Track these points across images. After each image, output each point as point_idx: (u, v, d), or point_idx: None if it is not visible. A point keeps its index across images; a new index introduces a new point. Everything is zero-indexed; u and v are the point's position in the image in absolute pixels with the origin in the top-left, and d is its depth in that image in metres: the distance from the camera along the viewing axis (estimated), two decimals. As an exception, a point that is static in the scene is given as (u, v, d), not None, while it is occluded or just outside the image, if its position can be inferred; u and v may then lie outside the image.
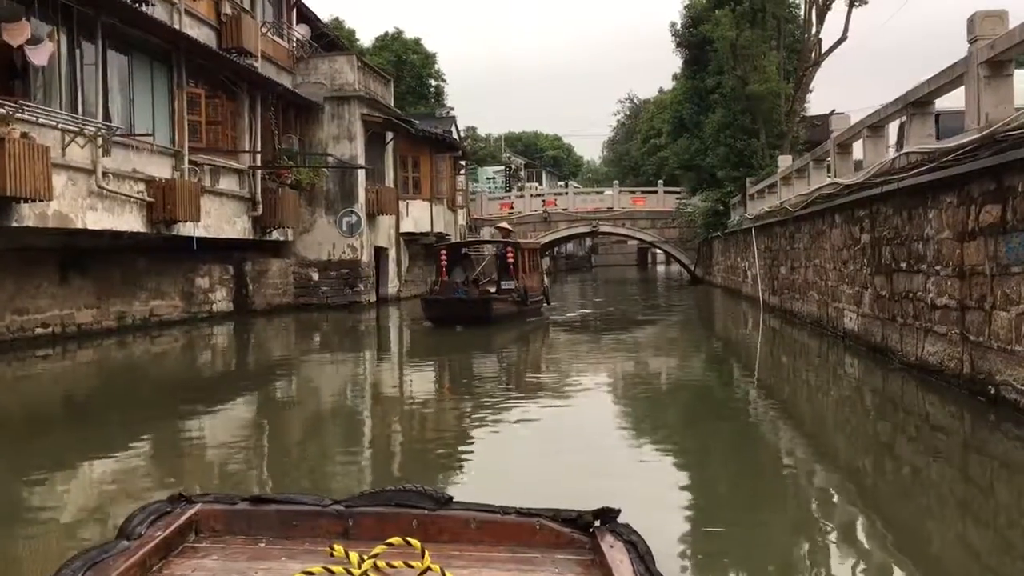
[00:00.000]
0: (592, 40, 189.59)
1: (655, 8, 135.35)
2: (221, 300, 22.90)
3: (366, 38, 49.33)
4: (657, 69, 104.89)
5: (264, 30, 23.98)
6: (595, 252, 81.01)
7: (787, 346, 16.73)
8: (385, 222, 28.44)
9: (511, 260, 20.65)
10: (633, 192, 44.70)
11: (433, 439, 8.83)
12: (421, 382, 13.44)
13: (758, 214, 23.06)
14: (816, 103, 33.53)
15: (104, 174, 15.96)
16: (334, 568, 2.16)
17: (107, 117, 16.37)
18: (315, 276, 26.39)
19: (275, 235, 24.28)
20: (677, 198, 40.12)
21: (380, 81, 29.43)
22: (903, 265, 10.52)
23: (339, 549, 2.29)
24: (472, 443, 8.35)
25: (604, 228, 43.58)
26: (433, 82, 49.52)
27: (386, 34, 48.64)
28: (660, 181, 43.18)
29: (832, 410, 10.24)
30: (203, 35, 20.56)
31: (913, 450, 7.93)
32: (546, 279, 26.34)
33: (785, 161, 21.33)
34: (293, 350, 18.32)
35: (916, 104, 10.23)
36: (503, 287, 20.38)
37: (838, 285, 14.23)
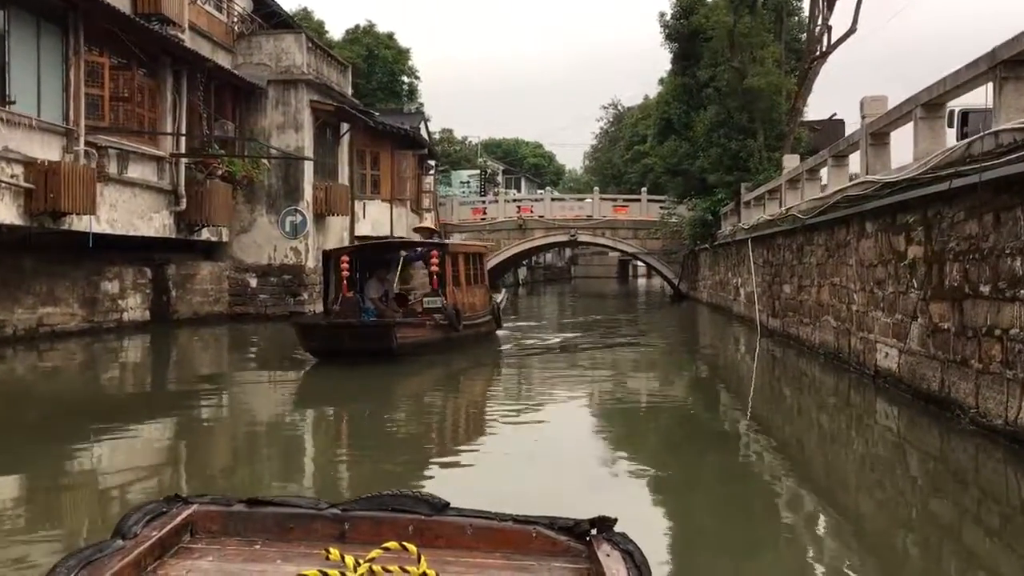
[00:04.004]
0: (576, 53, 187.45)
1: (644, 21, 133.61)
2: (134, 308, 19.71)
3: (336, 31, 46.49)
4: (643, 79, 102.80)
5: (194, -2, 20.89)
6: (575, 263, 78.22)
7: (796, 383, 13.69)
8: (336, 224, 25.39)
9: (436, 268, 14.95)
10: (615, 200, 41.83)
11: None
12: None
13: (755, 223, 20.18)
14: (814, 109, 30.79)
15: (-40, 152, 12.93)
16: (329, 571, 2.13)
17: (-32, 82, 13.33)
18: (253, 283, 23.30)
19: (205, 234, 21.24)
20: (661, 207, 37.37)
21: (335, 66, 26.35)
22: (984, 289, 7.58)
23: (335, 552, 2.23)
24: None
25: (583, 237, 40.66)
26: (406, 79, 46.61)
27: (357, 27, 45.77)
28: (644, 189, 40.35)
29: (866, 478, 7.44)
30: (112, -5, 17.39)
31: (999, 551, 5.34)
32: (499, 295, 20.14)
33: (792, 161, 18.41)
34: (185, 374, 14.97)
35: (1010, 64, 7.31)
36: (427, 305, 15.05)
37: (868, 311, 11.31)
